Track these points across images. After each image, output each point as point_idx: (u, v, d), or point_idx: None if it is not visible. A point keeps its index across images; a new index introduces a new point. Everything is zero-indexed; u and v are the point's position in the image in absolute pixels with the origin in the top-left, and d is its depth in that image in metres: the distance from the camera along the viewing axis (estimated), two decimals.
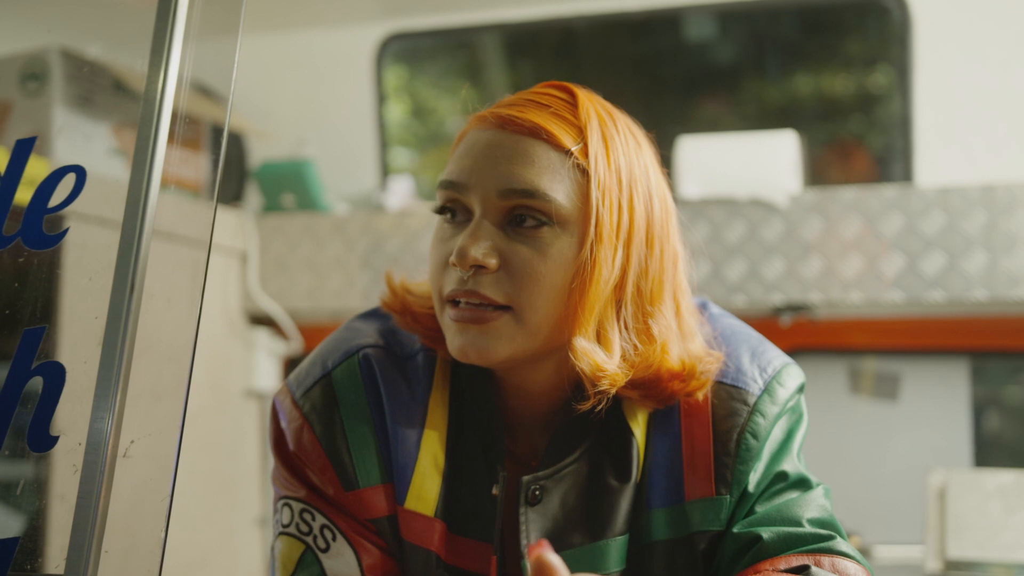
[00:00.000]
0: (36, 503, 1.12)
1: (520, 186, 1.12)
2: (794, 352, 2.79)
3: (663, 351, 1.17)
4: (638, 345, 1.17)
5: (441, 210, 1.18)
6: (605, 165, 1.15)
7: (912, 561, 2.28)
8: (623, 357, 1.16)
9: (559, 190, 1.12)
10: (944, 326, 2.67)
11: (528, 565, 0.89)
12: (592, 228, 1.13)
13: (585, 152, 1.14)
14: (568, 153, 1.13)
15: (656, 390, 1.19)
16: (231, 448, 2.95)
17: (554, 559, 0.88)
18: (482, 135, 1.16)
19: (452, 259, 1.13)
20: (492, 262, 1.12)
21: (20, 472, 1.09)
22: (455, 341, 1.15)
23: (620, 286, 1.16)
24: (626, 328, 1.17)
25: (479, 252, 1.12)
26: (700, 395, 1.21)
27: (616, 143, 1.17)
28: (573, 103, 1.18)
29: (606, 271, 1.14)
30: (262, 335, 3.09)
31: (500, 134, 1.15)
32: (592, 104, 1.19)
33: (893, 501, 2.69)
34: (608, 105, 1.22)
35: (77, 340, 1.03)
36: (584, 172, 1.14)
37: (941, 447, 2.72)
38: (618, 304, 1.17)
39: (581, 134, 1.15)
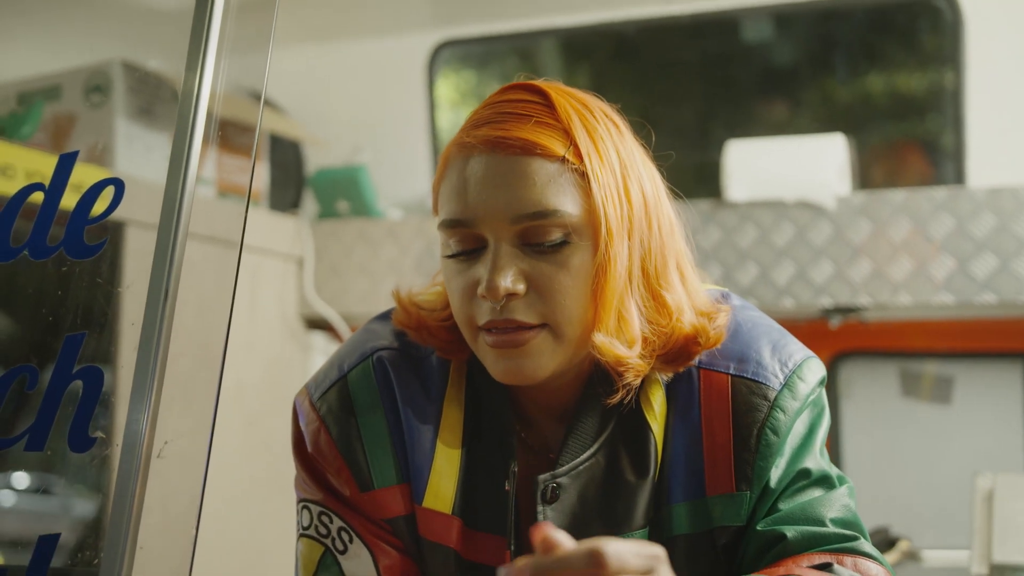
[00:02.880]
0: (77, 501, 1.17)
1: (530, 209, 1.12)
2: (843, 355, 2.78)
3: (678, 320, 1.19)
4: (654, 323, 1.18)
5: (455, 255, 1.17)
6: (599, 162, 1.14)
7: (960, 565, 2.26)
8: (644, 341, 1.17)
9: (566, 202, 1.12)
10: (996, 328, 2.64)
11: (536, 545, 0.90)
12: (603, 228, 1.13)
13: (577, 154, 1.13)
14: (563, 160, 1.13)
15: (673, 356, 1.20)
16: (288, 451, 3.00)
17: (558, 534, 0.88)
18: (473, 163, 1.15)
19: (481, 292, 1.13)
20: (521, 288, 1.13)
21: (61, 472, 1.13)
22: (497, 366, 1.16)
23: (630, 272, 1.17)
24: (640, 309, 1.18)
25: (507, 281, 1.11)
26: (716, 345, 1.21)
27: (600, 134, 1.16)
28: (549, 104, 1.16)
29: (621, 264, 1.14)
30: (319, 339, 3.14)
31: (492, 158, 1.13)
32: (566, 100, 1.17)
33: (945, 505, 2.67)
34: (577, 93, 1.21)
35: (126, 345, 1.07)
36: (582, 174, 1.13)
37: (994, 451, 2.69)
38: (631, 289, 1.17)
39: (567, 135, 1.14)
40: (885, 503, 2.68)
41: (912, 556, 2.54)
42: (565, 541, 0.88)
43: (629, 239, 1.16)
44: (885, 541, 2.53)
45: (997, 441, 2.70)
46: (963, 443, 2.72)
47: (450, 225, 1.17)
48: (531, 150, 1.12)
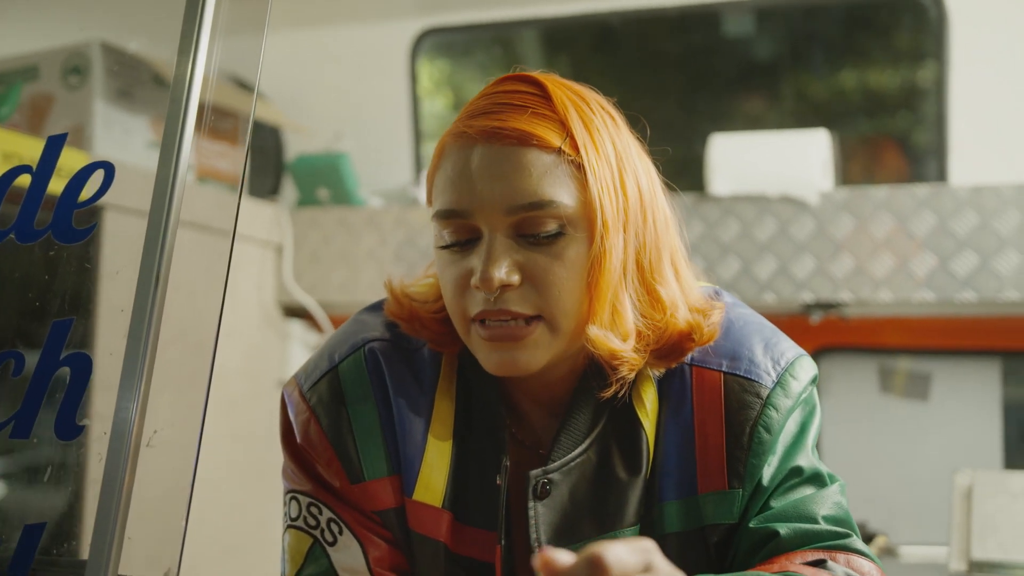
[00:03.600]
0: (63, 490, 1.15)
1: (526, 200, 1.11)
2: (823, 350, 2.79)
3: (672, 315, 1.18)
4: (648, 317, 1.18)
5: (449, 245, 1.16)
6: (596, 154, 1.14)
7: (939, 561, 2.27)
8: (637, 335, 1.17)
9: (562, 193, 1.11)
10: (975, 326, 2.65)
11: (539, 572, 0.88)
12: (598, 220, 1.12)
13: (574, 145, 1.13)
14: (559, 151, 1.12)
15: (666, 352, 1.20)
16: (265, 438, 2.99)
17: (558, 554, 0.86)
18: (469, 153, 1.14)
19: (475, 283, 1.12)
20: (516, 278, 1.12)
21: (48, 459, 1.12)
22: (490, 358, 1.15)
23: (625, 265, 1.16)
24: (634, 303, 1.18)
25: (501, 272, 1.11)
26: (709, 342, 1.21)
27: (596, 126, 1.16)
28: (546, 96, 1.15)
29: (616, 257, 1.14)
30: (296, 327, 3.12)
31: (488, 148, 1.12)
32: (563, 91, 1.17)
33: (922, 501, 2.68)
34: (574, 86, 1.20)
35: (106, 331, 1.06)
36: (578, 166, 1.13)
37: (971, 448, 2.70)
38: (625, 282, 1.17)
39: (564, 127, 1.13)
40: (863, 499, 2.69)
41: (889, 551, 2.56)
42: (565, 559, 0.86)
43: (624, 232, 1.15)
44: (863, 536, 2.54)
45: (974, 438, 2.71)
46: (941, 440, 2.74)
47: (445, 216, 1.15)
48: (527, 141, 1.12)
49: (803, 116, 3.17)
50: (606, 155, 1.15)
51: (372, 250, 3.02)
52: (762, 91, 3.27)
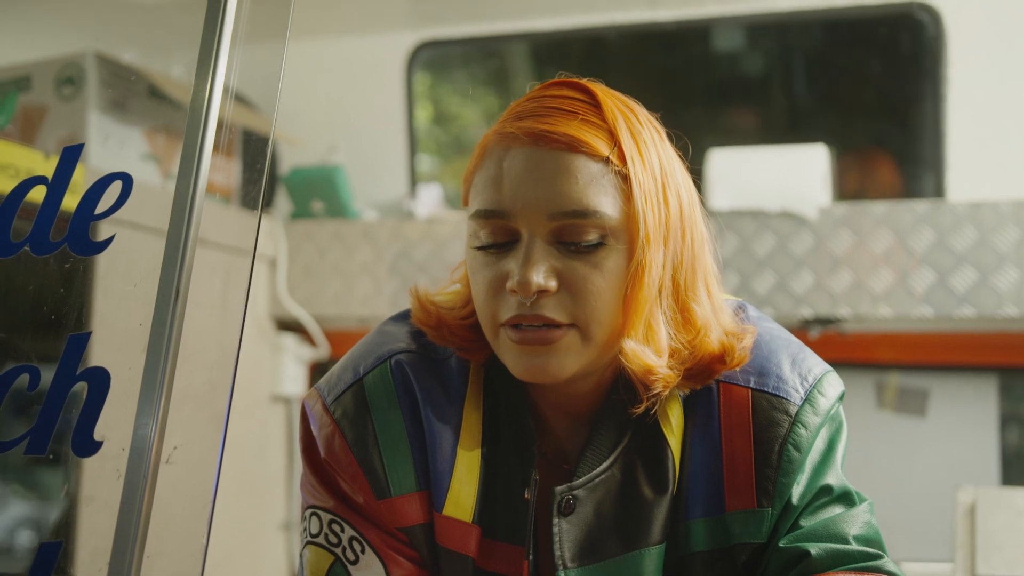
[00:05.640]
0: (76, 507, 1.13)
1: (570, 207, 1.09)
2: None
3: (704, 336, 1.17)
4: (681, 335, 1.17)
5: (485, 246, 1.15)
6: (641, 166, 1.12)
7: None
8: (671, 353, 1.16)
9: (606, 203, 1.10)
10: (973, 342, 2.65)
11: None
12: (640, 233, 1.11)
13: (621, 156, 1.11)
14: (607, 161, 1.11)
15: (696, 373, 1.19)
16: (257, 452, 2.97)
17: None
18: (514, 154, 1.12)
19: (511, 286, 1.10)
20: (553, 284, 1.10)
21: (63, 476, 1.10)
22: (519, 362, 1.14)
23: (662, 281, 1.15)
24: (667, 320, 1.16)
25: (539, 277, 1.09)
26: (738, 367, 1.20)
27: (644, 138, 1.15)
28: (596, 104, 1.14)
29: (655, 271, 1.13)
30: (290, 340, 3.10)
31: (535, 151, 1.11)
32: (612, 101, 1.16)
33: (920, 518, 2.68)
34: (623, 96, 1.19)
35: (121, 346, 1.04)
36: (624, 177, 1.11)
37: (968, 464, 2.70)
38: (660, 299, 1.15)
39: (612, 137, 1.12)
40: None
41: None
42: None
43: (664, 247, 1.14)
44: None
45: (972, 454, 2.71)
46: (938, 456, 2.74)
47: (484, 215, 1.14)
48: (576, 147, 1.10)
49: (801, 131, 3.17)
50: (651, 168, 1.14)
51: (366, 263, 3.01)
52: (752, 107, 3.26)
